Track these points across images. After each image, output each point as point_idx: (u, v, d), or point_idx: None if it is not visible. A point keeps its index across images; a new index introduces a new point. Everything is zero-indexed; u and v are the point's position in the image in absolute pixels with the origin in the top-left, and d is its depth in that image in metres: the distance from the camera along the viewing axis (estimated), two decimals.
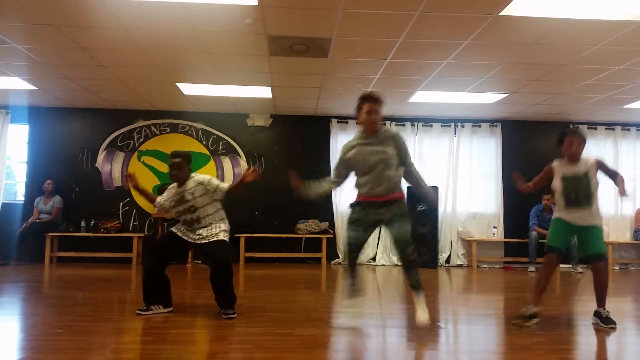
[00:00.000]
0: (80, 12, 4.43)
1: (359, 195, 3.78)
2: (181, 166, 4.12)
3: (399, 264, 3.74)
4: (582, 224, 3.91)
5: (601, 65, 5.69)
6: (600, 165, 3.94)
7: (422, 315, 3.61)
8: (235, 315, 3.97)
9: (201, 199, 4.09)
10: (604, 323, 3.83)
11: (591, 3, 4.09)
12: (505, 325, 3.93)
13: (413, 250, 3.63)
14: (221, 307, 4.06)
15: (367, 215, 3.70)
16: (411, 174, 3.85)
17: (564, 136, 3.97)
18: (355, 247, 3.76)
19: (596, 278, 3.93)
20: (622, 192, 3.77)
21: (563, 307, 4.80)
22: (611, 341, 3.58)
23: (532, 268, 7.86)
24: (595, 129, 8.78)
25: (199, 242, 4.09)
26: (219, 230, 4.11)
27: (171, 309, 4.17)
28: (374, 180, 3.66)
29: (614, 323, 3.80)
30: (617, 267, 8.38)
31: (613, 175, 3.95)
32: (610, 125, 8.75)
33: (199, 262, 8.09)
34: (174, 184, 4.22)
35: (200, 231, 4.11)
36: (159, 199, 4.30)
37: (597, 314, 3.94)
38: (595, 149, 8.74)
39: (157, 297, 4.13)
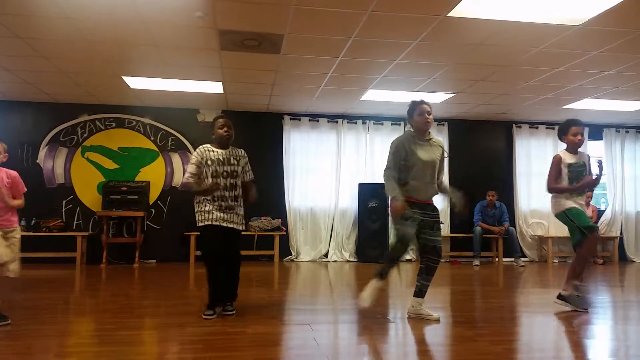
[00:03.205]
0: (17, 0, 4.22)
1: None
2: (232, 126, 4.02)
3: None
4: None
5: (542, 67, 5.96)
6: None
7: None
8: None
9: (240, 169, 4.02)
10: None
11: (535, 7, 4.27)
12: (452, 317, 4.06)
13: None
14: (225, 302, 3.96)
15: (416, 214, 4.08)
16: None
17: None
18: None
19: None
20: None
21: (506, 299, 5.00)
22: (550, 331, 3.76)
23: (476, 262, 8.14)
24: (537, 128, 9.18)
25: (234, 227, 3.93)
26: (242, 216, 4.04)
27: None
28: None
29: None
30: (556, 261, 8.80)
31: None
32: (550, 125, 9.16)
33: (147, 261, 7.91)
34: (209, 148, 3.99)
35: (237, 210, 3.97)
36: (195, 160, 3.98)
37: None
38: (536, 148, 9.15)
39: (222, 297, 3.99)
